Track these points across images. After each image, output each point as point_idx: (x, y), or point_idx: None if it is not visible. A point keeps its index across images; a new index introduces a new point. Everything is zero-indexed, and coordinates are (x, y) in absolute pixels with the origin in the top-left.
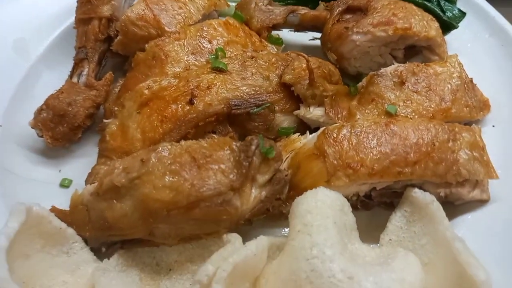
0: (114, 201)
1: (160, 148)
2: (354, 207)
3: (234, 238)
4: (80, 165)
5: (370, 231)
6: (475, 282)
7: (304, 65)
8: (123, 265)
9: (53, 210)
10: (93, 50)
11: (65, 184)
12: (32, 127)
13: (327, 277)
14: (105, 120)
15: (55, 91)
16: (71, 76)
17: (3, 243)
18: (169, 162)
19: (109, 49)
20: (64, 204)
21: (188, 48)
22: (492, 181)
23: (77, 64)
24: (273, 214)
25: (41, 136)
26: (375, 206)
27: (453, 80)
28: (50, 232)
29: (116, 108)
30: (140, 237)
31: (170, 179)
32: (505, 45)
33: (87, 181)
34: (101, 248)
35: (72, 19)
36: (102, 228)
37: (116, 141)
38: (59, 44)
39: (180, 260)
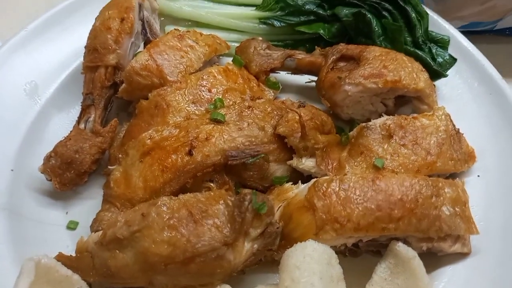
0: (117, 251)
1: (159, 202)
2: (343, 254)
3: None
4: (86, 207)
5: (358, 277)
6: None
7: (297, 118)
8: None
9: (60, 257)
10: (100, 97)
11: (71, 226)
12: (41, 172)
13: None
14: (109, 167)
15: (63, 138)
16: (78, 122)
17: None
18: (167, 217)
19: (114, 94)
20: (70, 246)
21: (189, 97)
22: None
23: (84, 110)
24: (265, 261)
25: (50, 180)
26: (362, 254)
27: (439, 134)
28: (57, 279)
29: (120, 156)
30: (141, 286)
31: (168, 234)
32: (493, 93)
33: (92, 227)
34: None
35: (78, 61)
36: (105, 275)
37: (120, 188)
38: (67, 85)
39: None
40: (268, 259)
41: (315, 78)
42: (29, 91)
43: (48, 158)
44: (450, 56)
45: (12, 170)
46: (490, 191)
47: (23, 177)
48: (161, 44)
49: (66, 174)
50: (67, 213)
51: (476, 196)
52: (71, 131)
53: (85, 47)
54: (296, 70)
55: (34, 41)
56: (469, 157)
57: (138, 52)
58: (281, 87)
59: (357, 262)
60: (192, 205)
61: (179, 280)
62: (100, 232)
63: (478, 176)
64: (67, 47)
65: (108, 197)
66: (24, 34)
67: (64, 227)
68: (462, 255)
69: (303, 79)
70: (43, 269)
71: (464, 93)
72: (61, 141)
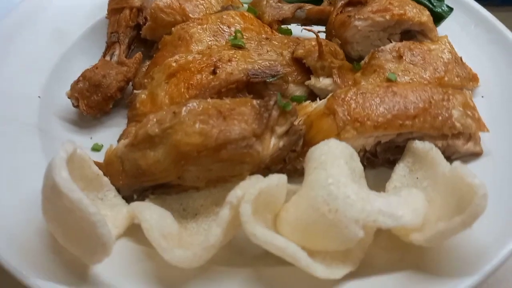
0: (148, 150)
1: (190, 102)
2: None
3: (256, 176)
4: (109, 133)
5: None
6: (473, 188)
7: (313, 43)
8: None
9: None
10: (124, 35)
11: (96, 148)
12: (68, 97)
13: (343, 199)
14: (135, 91)
15: (90, 66)
16: (104, 55)
17: (62, 156)
18: (198, 113)
19: (137, 36)
20: None
21: (210, 31)
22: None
23: (110, 46)
24: (288, 170)
25: (76, 106)
26: (379, 165)
27: (445, 55)
28: (89, 176)
29: (145, 81)
30: (171, 181)
31: (200, 126)
32: (490, 31)
33: (119, 140)
34: (133, 195)
35: (100, 16)
36: (136, 175)
37: (146, 107)
38: (91, 34)
39: (205, 204)
40: (290, 167)
41: (323, 30)
42: (56, 37)
43: (76, 83)
44: (447, 6)
45: (39, 97)
46: (494, 109)
47: (50, 104)
48: None
49: (93, 97)
50: (91, 138)
51: (481, 114)
52: (97, 62)
53: None
54: (306, 21)
55: None
56: (473, 77)
57: None
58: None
59: (374, 174)
60: (220, 105)
61: (210, 171)
62: (131, 137)
63: (482, 97)
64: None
65: (134, 117)
66: None
67: (89, 149)
68: (473, 158)
69: (311, 34)
70: (78, 161)
71: (463, 36)
72: (88, 68)
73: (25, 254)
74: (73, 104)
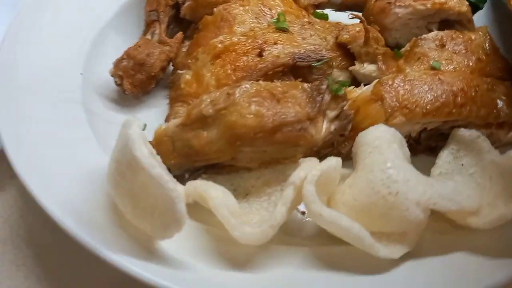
0: (201, 130)
1: (243, 84)
2: None
3: (312, 159)
4: (151, 113)
5: None
6: None
7: (358, 28)
8: None
9: None
10: (164, 13)
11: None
12: (111, 75)
13: (403, 182)
14: (179, 71)
15: (133, 45)
16: (144, 34)
17: (138, 132)
18: (252, 95)
19: (175, 16)
20: None
21: (252, 13)
22: None
23: (149, 24)
24: (334, 154)
25: (119, 85)
26: (420, 152)
27: (486, 45)
28: None
29: (190, 61)
30: (224, 161)
31: (255, 107)
32: None
33: (166, 120)
34: (184, 175)
35: None
36: (188, 155)
37: (192, 88)
38: (124, 12)
39: (257, 185)
40: (335, 152)
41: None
42: (90, 15)
43: (120, 61)
44: None
45: (81, 74)
46: None
47: (90, 81)
48: None
49: (137, 75)
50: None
51: None
52: (138, 41)
53: None
54: (342, 6)
55: None
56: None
57: None
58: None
59: (414, 162)
60: (272, 88)
61: (264, 152)
62: (183, 117)
63: None
64: None
65: (179, 97)
66: None
67: None
68: None
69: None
70: None
71: (495, 27)
72: (131, 46)
73: (91, 228)
74: (116, 82)
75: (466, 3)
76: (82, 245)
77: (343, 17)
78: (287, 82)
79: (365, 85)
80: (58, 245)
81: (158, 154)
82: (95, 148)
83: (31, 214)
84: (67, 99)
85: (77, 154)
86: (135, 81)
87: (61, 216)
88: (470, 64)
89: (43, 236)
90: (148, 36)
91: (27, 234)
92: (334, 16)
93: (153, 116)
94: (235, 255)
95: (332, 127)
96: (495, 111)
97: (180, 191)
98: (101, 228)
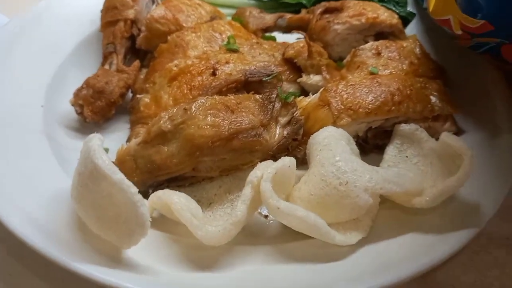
0: (161, 145)
1: (199, 99)
2: None
3: (269, 161)
4: (113, 138)
5: None
6: (462, 151)
7: (301, 44)
8: None
9: None
10: (120, 45)
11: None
12: (72, 105)
13: (351, 171)
14: (137, 96)
15: (92, 75)
16: (103, 65)
17: (99, 143)
18: (208, 108)
19: (131, 47)
20: None
21: (204, 38)
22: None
23: (107, 56)
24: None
25: (80, 113)
26: (370, 151)
27: (417, 50)
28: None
29: (147, 85)
30: (185, 173)
31: (212, 119)
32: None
33: (128, 141)
34: (148, 190)
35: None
36: (150, 170)
37: (151, 110)
38: (83, 47)
39: (219, 193)
40: (291, 156)
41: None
42: (50, 50)
43: (80, 90)
44: (410, 11)
45: (42, 106)
46: (458, 94)
47: (52, 112)
48: (174, 0)
49: (97, 102)
50: None
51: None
52: (97, 71)
53: (102, 9)
54: (287, 28)
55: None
56: (442, 69)
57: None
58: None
59: (365, 160)
60: (226, 100)
61: (223, 160)
62: (143, 134)
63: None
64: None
65: (139, 119)
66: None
67: None
68: None
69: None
70: None
71: (424, 37)
72: (90, 76)
73: (60, 245)
74: (76, 111)
75: (396, 16)
76: (51, 261)
77: (289, 38)
78: (240, 95)
79: (313, 94)
80: (26, 272)
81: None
82: (59, 173)
83: None
84: (30, 130)
85: (42, 179)
86: (95, 108)
87: (29, 236)
88: (404, 67)
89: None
90: (106, 66)
91: None
92: (281, 37)
93: (115, 140)
94: (201, 258)
95: (285, 132)
96: (429, 105)
97: (141, 196)
98: (69, 244)
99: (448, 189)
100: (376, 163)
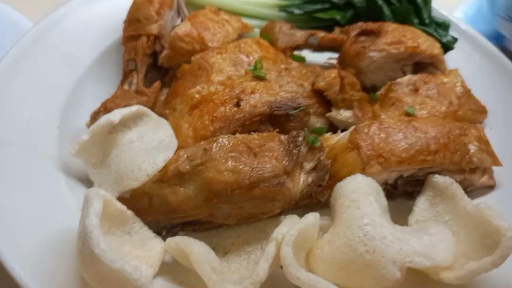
0: (178, 186)
1: (220, 139)
2: None
3: (291, 216)
4: None
5: (394, 219)
6: (501, 230)
7: (333, 75)
8: None
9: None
10: (142, 63)
11: None
12: (88, 127)
13: (380, 239)
14: None
15: (110, 96)
16: (122, 84)
17: (95, 222)
18: (229, 150)
19: (153, 64)
20: None
21: (229, 61)
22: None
23: (127, 74)
24: (311, 203)
25: None
26: (398, 197)
27: (457, 88)
28: (113, 214)
29: (167, 111)
30: (201, 218)
31: (232, 163)
32: (494, 63)
33: None
34: (162, 231)
35: (111, 40)
36: (165, 211)
37: None
38: (104, 59)
39: (236, 243)
40: (314, 200)
41: (334, 57)
42: (68, 62)
43: (97, 113)
44: (452, 36)
45: (58, 127)
46: (502, 140)
47: (67, 134)
48: (200, 16)
49: None
50: None
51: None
52: (116, 91)
53: (125, 20)
54: (318, 47)
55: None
56: (483, 110)
57: (178, 24)
58: (306, 62)
59: (393, 205)
60: (249, 141)
61: (242, 208)
62: (160, 172)
63: (491, 128)
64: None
65: None
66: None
67: None
68: (488, 190)
69: (323, 59)
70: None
71: (468, 66)
72: (108, 98)
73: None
74: None
75: (438, 45)
76: None
77: (320, 58)
78: (264, 134)
79: (342, 130)
80: None
81: (133, 210)
82: (71, 203)
83: None
84: (43, 155)
85: (51, 216)
86: None
87: (29, 281)
88: (443, 109)
89: None
90: (126, 86)
91: None
92: (312, 56)
93: None
94: None
95: (310, 179)
96: (467, 156)
97: (145, 277)
98: None
99: (481, 270)
100: (403, 209)
